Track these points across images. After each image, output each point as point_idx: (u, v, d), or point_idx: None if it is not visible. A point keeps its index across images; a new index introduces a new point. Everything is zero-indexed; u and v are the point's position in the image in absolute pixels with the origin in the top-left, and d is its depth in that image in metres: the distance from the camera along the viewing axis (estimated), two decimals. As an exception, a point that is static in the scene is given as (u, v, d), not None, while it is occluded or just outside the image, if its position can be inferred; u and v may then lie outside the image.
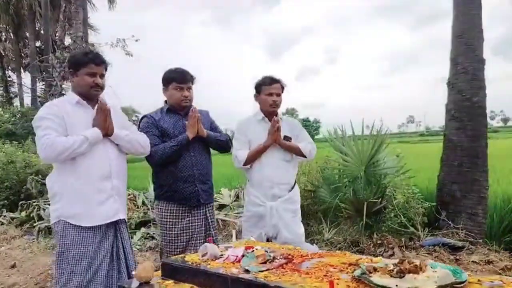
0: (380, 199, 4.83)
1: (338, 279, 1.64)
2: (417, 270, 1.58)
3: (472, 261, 3.97)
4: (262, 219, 2.97)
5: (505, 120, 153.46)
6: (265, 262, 1.91)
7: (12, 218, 7.14)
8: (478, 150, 4.73)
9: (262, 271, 1.78)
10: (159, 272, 2.12)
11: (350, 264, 1.84)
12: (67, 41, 15.42)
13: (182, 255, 2.20)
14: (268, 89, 3.06)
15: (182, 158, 2.88)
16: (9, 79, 25.47)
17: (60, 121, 2.34)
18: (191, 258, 2.08)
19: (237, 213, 6.10)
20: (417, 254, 4.29)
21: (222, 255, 2.05)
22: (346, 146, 5.29)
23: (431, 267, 1.63)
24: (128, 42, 12.34)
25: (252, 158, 3.03)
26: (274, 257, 1.96)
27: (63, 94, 12.77)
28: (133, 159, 8.85)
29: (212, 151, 3.12)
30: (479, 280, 1.57)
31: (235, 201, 6.81)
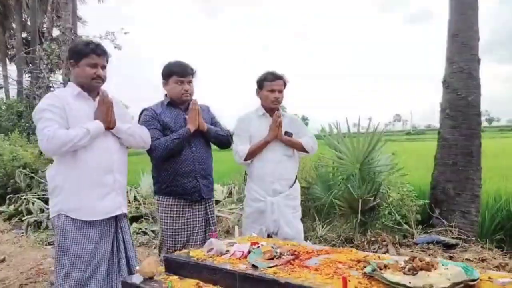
0: (374, 197, 4.86)
1: (348, 275, 1.63)
2: (429, 267, 1.57)
3: (466, 259, 4.00)
4: (262, 215, 2.96)
5: (490, 120, 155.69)
6: (272, 258, 1.89)
7: (0, 212, 7.02)
8: (472, 149, 4.79)
9: (270, 267, 1.77)
10: (162, 268, 2.09)
11: (358, 261, 1.83)
12: (55, 32, 15.22)
13: (186, 250, 2.17)
14: (270, 85, 3.03)
15: (183, 153, 2.84)
16: (-6, 70, 24.97)
17: (62, 113, 2.29)
18: (196, 253, 2.06)
19: (230, 209, 6.08)
20: (412, 251, 4.31)
21: (227, 251, 2.03)
22: (341, 143, 5.30)
23: (442, 265, 1.63)
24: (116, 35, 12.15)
25: (253, 154, 3.01)
26: (280, 253, 1.94)
27: (50, 87, 12.60)
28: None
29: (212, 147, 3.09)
30: (489, 278, 1.58)
31: (228, 197, 6.78)
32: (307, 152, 3.11)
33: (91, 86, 2.41)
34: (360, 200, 4.73)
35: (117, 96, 2.55)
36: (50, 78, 12.89)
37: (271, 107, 3.07)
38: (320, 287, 1.52)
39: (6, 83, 22.74)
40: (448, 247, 4.38)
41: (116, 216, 2.46)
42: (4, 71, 23.36)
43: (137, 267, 2.00)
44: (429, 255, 4.17)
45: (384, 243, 4.60)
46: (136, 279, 1.97)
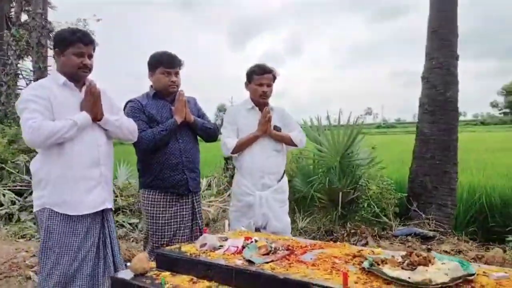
0: (354, 190, 4.92)
1: (347, 271, 1.63)
2: (426, 262, 1.59)
3: (444, 251, 4.11)
4: (251, 209, 2.93)
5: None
6: (267, 254, 1.87)
7: (-32, 204, 6.73)
8: (449, 144, 4.91)
9: (267, 263, 1.75)
10: (153, 263, 2.04)
11: (354, 256, 1.83)
12: (23, 18, 14.66)
13: (177, 245, 2.13)
14: (259, 79, 2.99)
15: (169, 146, 2.78)
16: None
17: (46, 104, 2.19)
18: (188, 249, 2.02)
19: (209, 202, 6.03)
20: (391, 244, 4.40)
21: (221, 246, 2.00)
22: (321, 136, 5.33)
23: (438, 260, 1.65)
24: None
25: (241, 147, 2.97)
26: (275, 248, 1.93)
27: (18, 74, 12.18)
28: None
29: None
30: (484, 272, 1.61)
31: (207, 189, 6.73)
32: (296, 145, 3.10)
33: (77, 76, 2.32)
34: (340, 193, 4.78)
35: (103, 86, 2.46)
36: (19, 65, 12.46)
37: (259, 101, 3.04)
38: (321, 283, 1.52)
39: (-29, 69, 21.83)
40: (425, 239, 4.49)
41: (102, 211, 2.39)
42: (-32, 57, 22.40)
43: (128, 264, 1.95)
44: (408, 247, 4.26)
45: (364, 235, 4.67)
46: (126, 275, 1.92)
